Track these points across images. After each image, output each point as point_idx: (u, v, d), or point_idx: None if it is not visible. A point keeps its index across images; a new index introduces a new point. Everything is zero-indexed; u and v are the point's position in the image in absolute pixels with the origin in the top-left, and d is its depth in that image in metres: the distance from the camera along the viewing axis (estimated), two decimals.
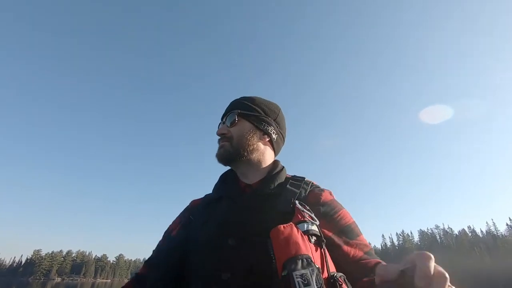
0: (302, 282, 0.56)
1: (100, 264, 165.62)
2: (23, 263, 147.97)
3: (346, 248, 0.80)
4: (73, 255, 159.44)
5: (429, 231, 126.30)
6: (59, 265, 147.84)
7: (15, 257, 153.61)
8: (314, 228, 0.71)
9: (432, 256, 0.49)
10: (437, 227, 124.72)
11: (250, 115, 1.01)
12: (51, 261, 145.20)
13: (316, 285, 0.56)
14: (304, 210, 0.76)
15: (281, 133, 1.07)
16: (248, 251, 0.72)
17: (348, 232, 0.83)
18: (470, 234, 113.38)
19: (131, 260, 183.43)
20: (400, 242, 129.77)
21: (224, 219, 0.82)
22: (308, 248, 0.64)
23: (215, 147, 1.01)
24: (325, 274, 0.66)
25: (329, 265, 0.69)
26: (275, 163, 1.02)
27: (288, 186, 0.89)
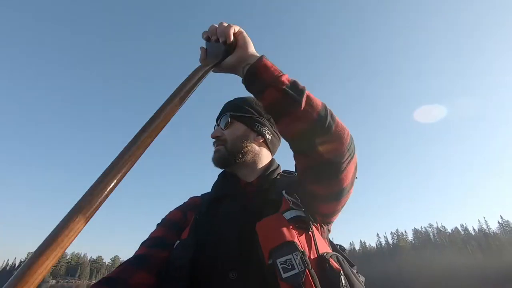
0: (286, 267, 0.60)
1: (96, 266, 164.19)
2: (16, 266, 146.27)
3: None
4: (68, 257, 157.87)
5: (423, 229, 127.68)
6: (53, 267, 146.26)
7: (8, 260, 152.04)
8: (299, 213, 0.74)
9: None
10: (430, 225, 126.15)
11: (243, 116, 1.00)
12: None
13: (299, 268, 0.60)
14: (290, 198, 0.78)
15: (276, 133, 1.06)
16: (251, 249, 0.72)
17: None
18: (463, 232, 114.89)
19: None
20: (395, 240, 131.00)
21: (231, 219, 0.84)
22: (293, 234, 0.68)
23: (211, 148, 1.02)
24: (314, 255, 0.69)
25: (318, 246, 0.71)
26: (271, 162, 1.02)
27: (280, 180, 0.93)
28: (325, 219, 0.85)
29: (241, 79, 0.76)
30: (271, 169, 0.98)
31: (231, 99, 1.09)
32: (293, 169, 0.97)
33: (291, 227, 0.70)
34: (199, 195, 1.06)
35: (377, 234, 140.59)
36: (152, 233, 0.91)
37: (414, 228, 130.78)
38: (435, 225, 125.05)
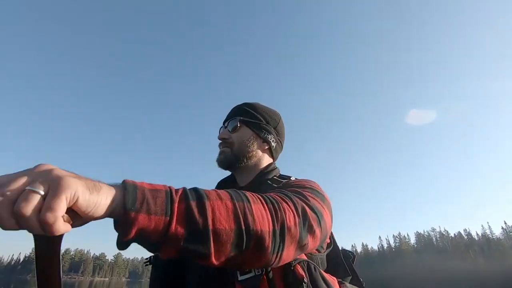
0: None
1: (98, 262, 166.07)
2: (21, 261, 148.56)
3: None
4: (72, 253, 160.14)
5: (426, 233, 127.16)
6: None
7: (13, 255, 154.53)
8: None
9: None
10: (433, 229, 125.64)
11: (252, 122, 1.03)
12: None
13: (256, 272, 0.61)
14: None
15: (280, 141, 1.10)
16: None
17: (296, 186, 0.79)
18: (466, 237, 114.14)
19: (129, 259, 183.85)
20: (397, 244, 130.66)
21: None
22: None
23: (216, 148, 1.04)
24: None
25: None
26: (267, 166, 1.03)
27: (270, 184, 0.91)
28: None
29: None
30: (265, 172, 0.99)
31: (240, 103, 1.10)
32: (293, 172, 0.97)
33: None
34: None
35: (379, 237, 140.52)
36: None
37: (417, 231, 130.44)
38: (438, 229, 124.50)
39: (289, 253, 0.61)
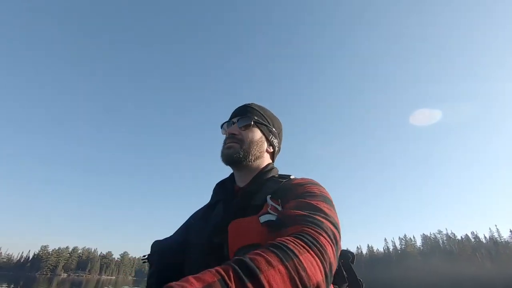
0: None
1: (105, 261, 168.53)
2: (30, 258, 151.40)
3: (288, 205, 0.75)
4: (79, 251, 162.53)
5: (432, 235, 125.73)
6: (65, 261, 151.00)
7: (22, 252, 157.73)
8: (273, 218, 0.73)
9: None
10: (440, 232, 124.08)
11: (263, 124, 1.05)
12: (57, 257, 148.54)
13: None
14: (272, 203, 0.78)
15: (280, 147, 1.14)
16: (221, 251, 0.74)
17: (301, 193, 0.78)
18: (473, 240, 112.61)
19: (135, 257, 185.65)
20: (403, 246, 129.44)
21: (215, 223, 0.85)
22: (263, 237, 0.67)
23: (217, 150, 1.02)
24: None
25: None
26: (267, 165, 1.03)
27: (269, 183, 0.91)
28: None
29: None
30: (264, 172, 0.99)
31: (248, 102, 1.10)
32: (291, 172, 0.99)
33: (263, 230, 0.69)
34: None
35: (385, 239, 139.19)
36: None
37: (423, 234, 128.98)
38: (444, 232, 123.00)
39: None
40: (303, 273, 0.51)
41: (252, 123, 1.02)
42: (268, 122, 1.07)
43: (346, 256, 0.88)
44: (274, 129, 1.08)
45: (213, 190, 1.06)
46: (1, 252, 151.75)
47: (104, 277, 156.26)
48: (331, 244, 0.60)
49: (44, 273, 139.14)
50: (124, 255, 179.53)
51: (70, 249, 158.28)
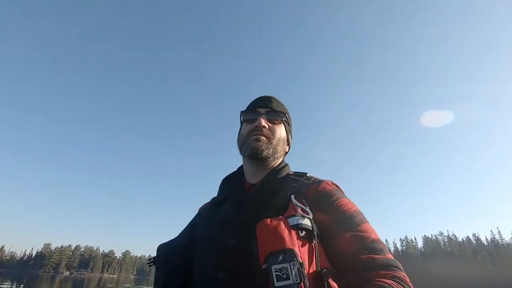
0: (280, 275, 0.56)
1: (107, 259, 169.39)
2: (33, 256, 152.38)
3: (341, 239, 0.72)
4: (82, 250, 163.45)
5: (433, 237, 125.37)
6: (67, 259, 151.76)
7: (26, 250, 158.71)
8: (305, 222, 0.68)
9: None
10: (441, 233, 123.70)
11: (289, 123, 1.03)
12: (60, 255, 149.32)
13: (294, 280, 0.56)
14: (298, 204, 0.74)
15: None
16: (245, 250, 0.70)
17: (345, 220, 0.75)
18: (474, 242, 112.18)
19: (137, 256, 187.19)
20: (404, 247, 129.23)
21: (226, 220, 0.82)
22: (294, 242, 0.63)
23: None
24: (313, 269, 0.64)
25: (318, 260, 0.67)
26: (280, 162, 1.00)
27: (287, 181, 0.88)
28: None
29: None
30: (277, 169, 0.95)
31: (270, 95, 1.04)
32: (300, 169, 0.97)
33: (293, 234, 0.65)
34: (209, 201, 1.07)
35: (386, 240, 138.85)
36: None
37: (424, 235, 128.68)
38: (446, 233, 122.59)
39: None
40: None
41: (283, 119, 0.98)
42: (290, 121, 1.05)
43: None
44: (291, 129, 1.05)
45: (220, 186, 1.02)
46: (4, 250, 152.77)
47: (106, 275, 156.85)
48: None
49: (47, 271, 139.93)
50: (126, 254, 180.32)
51: (73, 248, 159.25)
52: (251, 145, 0.92)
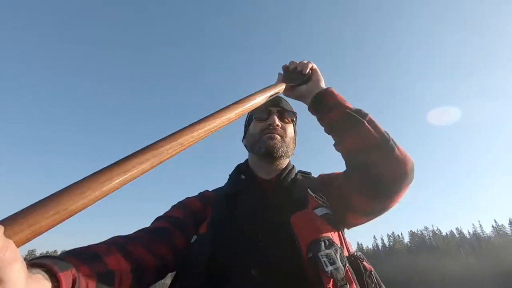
0: (328, 261, 0.62)
1: None
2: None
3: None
4: None
5: (419, 232, 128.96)
6: None
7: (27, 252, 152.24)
8: (330, 212, 0.78)
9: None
10: (426, 228, 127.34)
11: (296, 123, 1.08)
12: None
13: (341, 263, 0.63)
14: (317, 196, 0.83)
15: None
16: (275, 246, 0.72)
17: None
18: (458, 236, 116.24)
19: None
20: (391, 243, 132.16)
21: (252, 215, 0.82)
22: (327, 230, 0.71)
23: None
24: (346, 253, 0.71)
25: (348, 245, 0.75)
26: (289, 163, 1.05)
27: (298, 178, 0.97)
28: (345, 227, 0.88)
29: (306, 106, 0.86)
30: (289, 169, 1.00)
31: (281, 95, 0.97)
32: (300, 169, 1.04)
33: (323, 223, 0.72)
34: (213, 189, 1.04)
35: (374, 237, 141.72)
36: (171, 211, 0.90)
37: (411, 230, 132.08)
38: (430, 228, 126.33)
39: (404, 191, 0.78)
40: (398, 144, 0.74)
41: (294, 119, 1.01)
42: (296, 120, 1.07)
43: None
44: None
45: (231, 179, 1.02)
46: None
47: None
48: None
49: None
50: None
51: (58, 253, 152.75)
52: (266, 143, 0.93)
